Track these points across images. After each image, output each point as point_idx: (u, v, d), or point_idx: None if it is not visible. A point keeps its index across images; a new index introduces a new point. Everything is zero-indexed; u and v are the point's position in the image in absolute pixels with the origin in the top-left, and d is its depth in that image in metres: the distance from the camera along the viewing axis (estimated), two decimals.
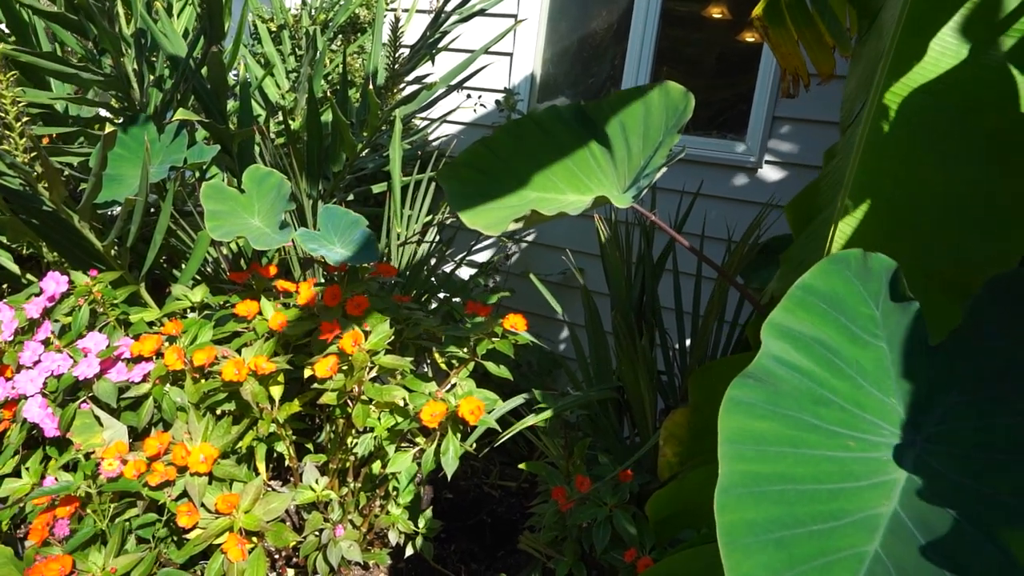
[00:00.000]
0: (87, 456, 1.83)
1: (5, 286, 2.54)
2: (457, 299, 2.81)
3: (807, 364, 0.88)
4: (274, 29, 3.44)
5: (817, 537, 0.74)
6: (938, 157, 1.18)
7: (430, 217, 2.85)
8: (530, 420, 2.08)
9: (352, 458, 2.03)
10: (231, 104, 2.83)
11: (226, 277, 2.46)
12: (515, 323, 2.00)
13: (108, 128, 2.54)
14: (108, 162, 1.98)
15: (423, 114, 3.33)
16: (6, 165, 2.02)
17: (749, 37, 3.04)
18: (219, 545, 1.71)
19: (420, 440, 1.98)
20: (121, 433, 1.87)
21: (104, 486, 1.76)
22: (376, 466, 2.01)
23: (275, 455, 2.08)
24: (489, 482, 2.81)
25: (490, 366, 2.04)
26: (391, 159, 2.51)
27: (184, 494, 1.79)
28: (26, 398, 1.83)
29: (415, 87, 2.67)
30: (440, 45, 2.69)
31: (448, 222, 2.98)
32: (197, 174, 2.54)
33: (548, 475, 2.04)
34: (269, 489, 2.01)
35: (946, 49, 1.17)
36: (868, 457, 0.81)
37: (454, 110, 3.36)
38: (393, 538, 2.05)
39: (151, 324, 2.10)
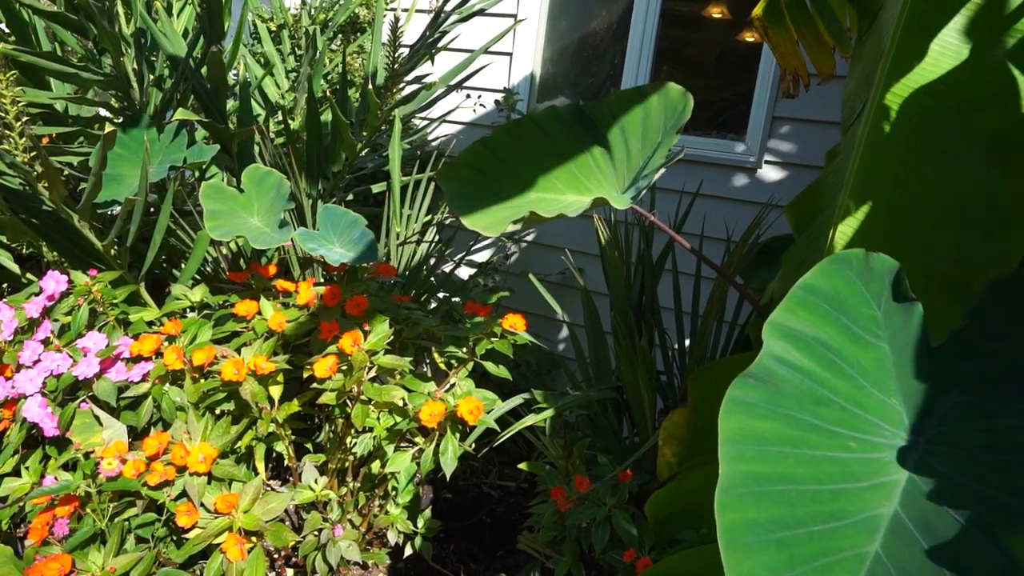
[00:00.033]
0: (86, 455, 1.83)
1: (5, 285, 2.54)
2: (456, 299, 2.80)
3: (808, 364, 0.88)
4: (274, 29, 3.44)
5: (818, 538, 0.74)
6: (939, 157, 1.18)
7: (429, 217, 2.85)
8: (529, 420, 2.08)
9: (351, 458, 2.03)
10: (231, 104, 2.83)
11: (226, 277, 2.46)
12: (514, 323, 2.00)
13: (108, 128, 2.54)
14: (108, 162, 1.98)
15: (423, 114, 3.32)
16: (6, 165, 2.01)
17: (749, 37, 3.04)
18: (218, 545, 1.71)
19: (419, 440, 1.97)
20: (120, 433, 1.87)
21: (103, 485, 1.76)
22: (375, 466, 2.01)
23: (274, 455, 2.07)
24: (488, 482, 2.81)
25: (489, 366, 2.04)
26: (390, 159, 2.51)
27: (183, 494, 1.79)
28: (26, 397, 1.83)
29: (415, 87, 2.67)
30: (440, 45, 2.69)
31: (448, 222, 2.98)
32: (197, 174, 2.53)
33: (547, 475, 2.04)
34: (268, 489, 2.01)
35: (946, 49, 1.17)
36: (869, 458, 0.81)
37: (454, 110, 3.36)
38: (392, 538, 2.05)
39: (150, 324, 2.10)
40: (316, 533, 1.95)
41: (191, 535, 1.73)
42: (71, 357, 1.89)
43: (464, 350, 2.04)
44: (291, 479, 2.09)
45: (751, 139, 2.95)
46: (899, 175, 1.21)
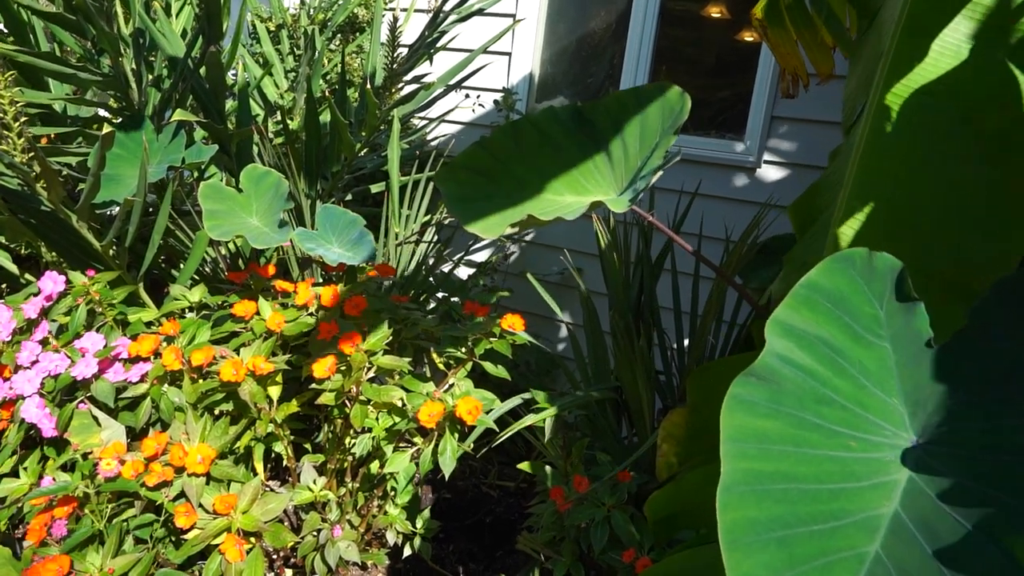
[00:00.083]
0: (85, 456, 1.83)
1: (3, 286, 2.53)
2: (455, 299, 2.80)
3: (810, 363, 0.88)
4: (273, 29, 3.44)
5: (818, 537, 0.73)
6: (939, 157, 1.18)
7: (428, 217, 2.85)
8: (528, 420, 2.08)
9: (350, 458, 2.03)
10: (230, 104, 2.83)
11: (224, 277, 2.45)
12: (513, 323, 2.00)
13: (106, 128, 2.53)
14: (106, 162, 1.98)
15: (421, 114, 3.32)
16: (4, 165, 2.01)
17: (748, 36, 3.04)
18: (217, 545, 1.71)
19: (418, 440, 1.97)
20: (119, 433, 1.87)
21: (102, 486, 1.76)
22: (374, 466, 2.01)
23: (273, 455, 2.07)
24: (487, 482, 2.80)
25: (488, 366, 2.04)
26: (389, 159, 2.51)
27: (182, 494, 1.79)
28: (24, 398, 1.83)
29: (413, 87, 2.67)
30: (438, 45, 2.69)
31: (446, 222, 2.98)
32: (195, 174, 2.53)
33: (546, 475, 2.04)
34: (267, 489, 2.01)
35: (946, 48, 1.17)
36: (870, 457, 0.81)
37: (452, 110, 3.36)
38: (391, 538, 2.04)
39: (149, 324, 2.09)
40: (315, 534, 1.95)
41: (189, 536, 1.73)
42: (69, 358, 1.88)
43: (463, 350, 2.04)
44: (290, 479, 2.09)
45: (750, 139, 2.95)
46: (899, 175, 1.21)
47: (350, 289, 2.12)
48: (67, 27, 2.30)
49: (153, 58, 2.59)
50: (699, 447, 1.53)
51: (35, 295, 2.00)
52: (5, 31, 2.40)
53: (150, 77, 2.50)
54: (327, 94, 3.25)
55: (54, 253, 2.39)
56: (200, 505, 1.77)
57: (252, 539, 1.76)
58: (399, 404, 1.91)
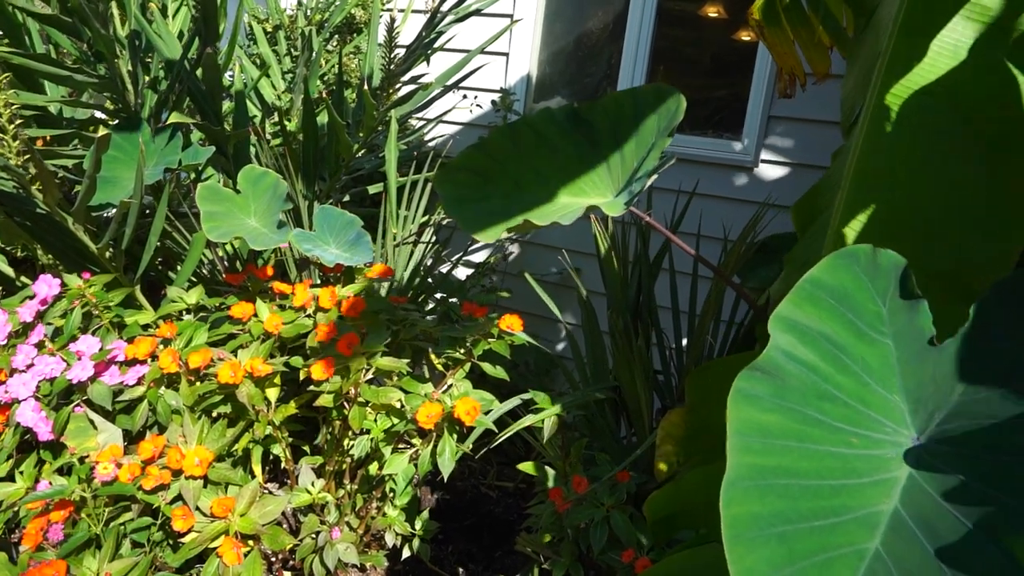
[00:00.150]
0: (81, 460, 1.82)
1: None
2: (454, 300, 2.80)
3: (813, 359, 0.88)
4: (270, 30, 3.43)
5: (818, 533, 0.73)
6: (938, 157, 1.18)
7: (426, 217, 2.85)
8: (527, 421, 2.08)
9: (348, 460, 2.02)
10: (227, 105, 2.82)
11: (222, 279, 2.45)
12: (511, 324, 1.99)
13: (102, 130, 2.53)
14: (103, 164, 1.97)
15: (419, 114, 3.32)
16: (0, 168, 2.00)
17: (745, 36, 3.04)
18: (215, 549, 1.70)
19: (416, 441, 1.97)
20: (116, 436, 1.86)
21: (99, 490, 1.75)
22: (373, 468, 2.00)
23: (271, 457, 2.06)
24: (486, 483, 2.80)
25: (487, 367, 2.03)
26: (387, 160, 2.51)
27: (179, 498, 1.78)
28: (19, 402, 1.82)
29: (411, 87, 2.67)
30: (436, 45, 2.69)
31: (444, 222, 2.97)
32: (192, 176, 2.52)
33: (545, 476, 2.04)
34: (265, 492, 2.00)
35: (944, 48, 1.17)
36: (871, 454, 0.81)
37: (450, 110, 3.36)
38: (390, 540, 2.04)
39: (146, 326, 2.09)
40: (313, 536, 1.94)
41: (187, 539, 1.72)
42: (65, 361, 1.88)
43: (461, 351, 2.04)
44: (288, 482, 2.08)
45: (748, 138, 2.95)
46: (899, 175, 1.21)
47: (348, 291, 2.12)
48: (63, 29, 2.29)
49: (149, 60, 2.58)
50: (698, 447, 1.53)
51: (31, 298, 2.00)
52: (0, 33, 2.40)
53: (146, 79, 2.50)
54: (324, 95, 3.24)
55: (50, 256, 2.38)
56: (198, 508, 1.76)
57: (250, 542, 1.75)
58: (397, 405, 1.91)
